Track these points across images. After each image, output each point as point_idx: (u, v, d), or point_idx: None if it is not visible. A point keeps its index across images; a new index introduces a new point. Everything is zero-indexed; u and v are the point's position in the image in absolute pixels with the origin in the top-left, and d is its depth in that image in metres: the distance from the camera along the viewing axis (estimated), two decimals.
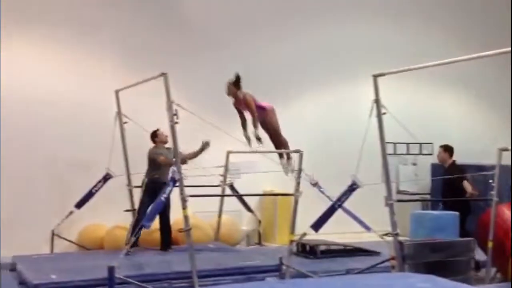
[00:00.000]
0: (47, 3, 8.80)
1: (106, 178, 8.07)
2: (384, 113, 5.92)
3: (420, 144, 10.74)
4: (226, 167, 8.68)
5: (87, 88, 8.77)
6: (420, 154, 10.97)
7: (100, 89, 8.55)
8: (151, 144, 7.91)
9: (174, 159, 6.31)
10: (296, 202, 6.86)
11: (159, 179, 7.37)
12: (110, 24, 9.20)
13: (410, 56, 8.34)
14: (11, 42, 8.50)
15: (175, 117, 6.11)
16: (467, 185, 8.02)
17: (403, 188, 10.48)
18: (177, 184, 6.08)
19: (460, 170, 8.22)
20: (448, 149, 8.49)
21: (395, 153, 10.62)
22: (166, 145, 7.78)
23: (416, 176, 10.72)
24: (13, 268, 7.06)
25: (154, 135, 7.83)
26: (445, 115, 11.34)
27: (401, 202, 7.51)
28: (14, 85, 8.40)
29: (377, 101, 5.98)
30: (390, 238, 5.98)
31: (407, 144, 10.74)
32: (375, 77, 6.00)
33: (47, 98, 8.58)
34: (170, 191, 6.20)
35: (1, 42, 8.33)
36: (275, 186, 9.60)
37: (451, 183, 8.03)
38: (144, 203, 7.41)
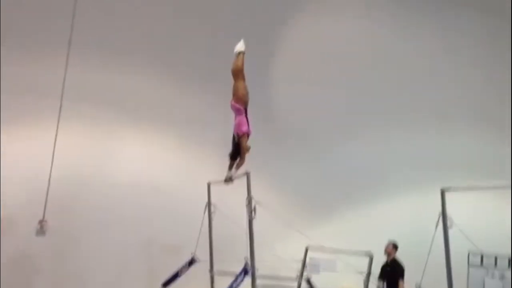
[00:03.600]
0: (154, 109, 10.16)
1: (191, 262, 8.72)
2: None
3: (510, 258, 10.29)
4: (303, 262, 8.99)
5: (183, 180, 9.82)
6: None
7: (194, 181, 9.48)
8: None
9: None
10: None
11: None
12: (214, 122, 10.22)
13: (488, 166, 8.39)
14: (123, 137, 9.93)
15: (253, 213, 6.73)
16: None
17: None
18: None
19: None
20: None
21: (481, 265, 10.24)
22: None
23: None
24: None
25: None
26: None
27: None
28: (120, 174, 9.67)
29: (443, 215, 6.20)
30: None
31: (495, 257, 10.20)
32: (443, 191, 6.26)
33: (150, 187, 9.76)
34: (241, 281, 6.66)
35: (113, 136, 9.79)
36: (353, 283, 9.70)
37: None
38: None
